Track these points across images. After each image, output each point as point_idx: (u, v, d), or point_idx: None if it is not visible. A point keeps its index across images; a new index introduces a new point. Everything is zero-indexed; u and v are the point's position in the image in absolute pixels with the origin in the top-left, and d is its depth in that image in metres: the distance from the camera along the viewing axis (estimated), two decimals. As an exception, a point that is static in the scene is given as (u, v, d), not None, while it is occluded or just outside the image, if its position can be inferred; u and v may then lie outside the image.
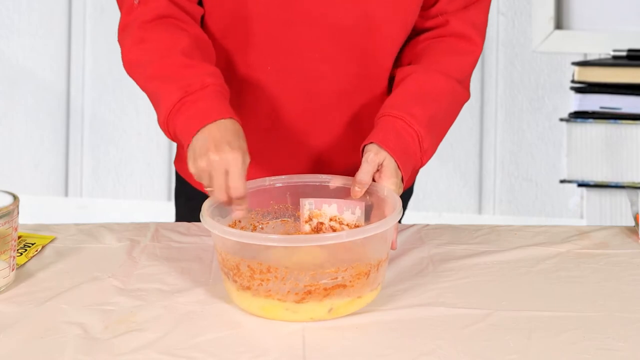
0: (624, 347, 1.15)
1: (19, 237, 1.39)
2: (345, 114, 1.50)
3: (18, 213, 1.27)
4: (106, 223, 1.51)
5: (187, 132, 1.30)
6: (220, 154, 1.24)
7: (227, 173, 1.24)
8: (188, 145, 1.30)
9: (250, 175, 1.30)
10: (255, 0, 1.42)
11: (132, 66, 1.40)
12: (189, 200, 1.66)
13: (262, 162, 1.49)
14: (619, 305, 1.26)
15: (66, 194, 3.39)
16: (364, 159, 1.34)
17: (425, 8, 1.48)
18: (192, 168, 1.28)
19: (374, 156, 1.33)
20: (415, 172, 1.41)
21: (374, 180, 1.34)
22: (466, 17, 1.48)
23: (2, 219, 1.23)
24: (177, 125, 1.32)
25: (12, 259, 1.27)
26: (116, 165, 3.37)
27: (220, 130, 1.28)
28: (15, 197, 1.27)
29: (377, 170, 1.34)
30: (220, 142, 1.26)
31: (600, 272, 1.37)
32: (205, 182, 1.27)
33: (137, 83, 1.41)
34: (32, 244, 1.41)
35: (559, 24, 3.13)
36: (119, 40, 1.44)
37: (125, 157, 3.37)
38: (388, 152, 1.34)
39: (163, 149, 3.36)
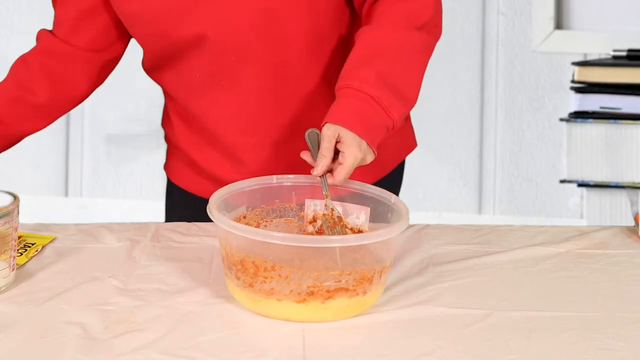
0: (624, 347, 1.15)
1: (19, 237, 1.39)
2: (272, 107, 1.52)
3: (18, 213, 1.27)
4: (106, 223, 1.51)
5: None
6: None
7: None
8: None
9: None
10: (166, 16, 1.46)
11: None
12: (174, 199, 1.70)
13: (199, 168, 1.59)
14: (619, 305, 1.26)
15: (66, 194, 3.39)
16: (320, 139, 1.36)
17: None
18: None
19: (326, 131, 1.35)
20: (392, 131, 1.41)
21: (339, 153, 1.35)
22: None
23: (2, 219, 1.23)
24: None
25: (12, 259, 1.27)
26: (116, 165, 3.37)
27: None
28: (15, 197, 1.27)
29: (338, 142, 1.35)
30: None
31: (600, 272, 1.37)
32: None
33: None
34: (32, 244, 1.40)
35: (559, 24, 3.13)
36: None
37: (125, 157, 3.37)
38: (339, 125, 1.35)
39: (163, 149, 3.36)
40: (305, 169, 1.36)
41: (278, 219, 1.37)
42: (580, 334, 1.18)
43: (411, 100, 1.43)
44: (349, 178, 1.34)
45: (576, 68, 2.78)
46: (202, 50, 1.47)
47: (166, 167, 1.71)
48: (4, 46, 3.31)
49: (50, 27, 1.62)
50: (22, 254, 1.37)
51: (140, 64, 1.64)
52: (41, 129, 1.62)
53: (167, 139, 1.69)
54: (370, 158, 1.37)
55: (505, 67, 3.15)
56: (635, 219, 1.51)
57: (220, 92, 1.51)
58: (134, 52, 3.30)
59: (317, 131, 1.37)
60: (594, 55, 3.05)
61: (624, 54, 2.84)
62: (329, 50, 1.51)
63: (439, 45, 1.52)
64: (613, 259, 1.41)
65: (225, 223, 1.20)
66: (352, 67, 1.41)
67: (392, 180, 1.65)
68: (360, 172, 1.39)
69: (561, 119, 2.86)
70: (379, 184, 1.44)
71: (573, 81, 2.78)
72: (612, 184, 2.79)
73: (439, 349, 1.14)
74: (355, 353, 1.13)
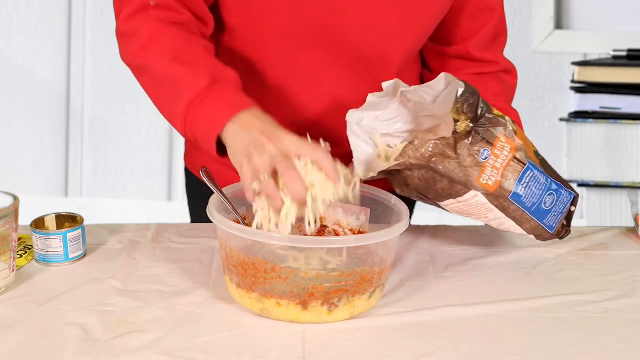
0: (624, 348, 1.15)
1: (19, 239, 1.39)
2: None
3: (18, 214, 1.27)
4: (106, 224, 1.50)
5: (216, 121, 1.25)
6: (283, 141, 1.20)
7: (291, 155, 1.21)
8: (214, 137, 1.25)
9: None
10: (275, 26, 1.41)
11: (150, 55, 1.34)
12: (203, 197, 1.65)
13: None
14: (619, 306, 1.26)
15: (66, 194, 3.39)
16: None
17: (441, 42, 1.53)
18: (248, 165, 1.20)
19: None
20: None
21: None
22: (501, 49, 1.57)
23: (2, 220, 1.23)
24: (204, 113, 1.27)
25: (12, 260, 1.27)
26: (116, 165, 3.38)
27: (260, 120, 1.24)
28: (15, 198, 1.27)
29: None
30: (272, 129, 1.22)
31: (600, 273, 1.37)
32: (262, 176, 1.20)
33: (153, 68, 1.33)
34: (32, 246, 1.40)
35: (559, 24, 3.13)
36: (123, 31, 1.39)
37: (125, 157, 3.37)
38: None
39: (163, 149, 3.36)
40: None
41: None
42: (580, 335, 1.18)
43: None
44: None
45: (576, 68, 2.78)
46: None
47: (188, 160, 1.65)
48: (4, 46, 3.31)
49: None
50: (22, 255, 1.37)
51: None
52: None
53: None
54: None
55: (505, 67, 3.14)
56: (635, 220, 1.51)
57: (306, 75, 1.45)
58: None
59: None
60: (594, 55, 3.05)
61: (624, 54, 2.84)
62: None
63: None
64: (613, 260, 1.41)
65: (225, 224, 1.20)
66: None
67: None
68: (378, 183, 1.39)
69: (561, 119, 2.86)
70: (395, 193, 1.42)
71: (573, 81, 2.78)
72: (612, 184, 2.80)
73: (439, 349, 1.14)
74: (355, 354, 1.13)
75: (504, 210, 1.30)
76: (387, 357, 1.12)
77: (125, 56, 1.39)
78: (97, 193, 3.39)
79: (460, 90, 1.25)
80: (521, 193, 1.29)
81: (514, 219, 1.32)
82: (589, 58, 3.04)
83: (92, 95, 3.34)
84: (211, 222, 1.22)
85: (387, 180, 1.55)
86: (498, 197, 1.29)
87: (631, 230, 1.52)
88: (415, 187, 1.30)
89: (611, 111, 2.75)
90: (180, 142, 3.33)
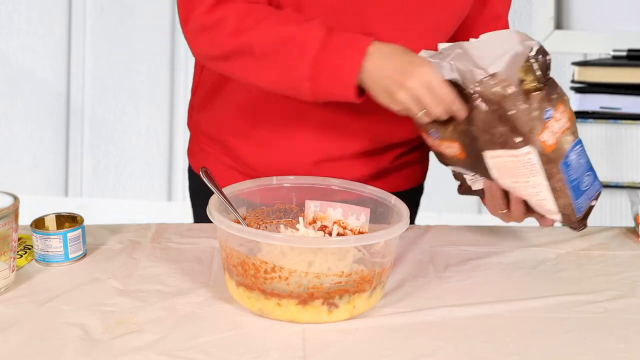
0: (624, 348, 1.15)
1: (19, 239, 1.39)
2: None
3: (18, 214, 1.27)
4: (107, 224, 1.50)
5: (351, 62, 1.29)
6: (416, 76, 1.27)
7: (430, 88, 1.27)
8: (352, 83, 1.29)
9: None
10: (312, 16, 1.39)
11: (249, 31, 1.34)
12: (206, 196, 1.65)
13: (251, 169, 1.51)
14: (619, 306, 1.26)
15: (66, 194, 3.39)
16: None
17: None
18: (394, 104, 1.29)
19: None
20: None
21: None
22: None
23: (2, 220, 1.23)
24: (336, 58, 1.30)
25: (12, 260, 1.27)
26: (116, 165, 3.38)
27: (391, 49, 1.30)
28: (15, 198, 1.27)
29: None
30: (403, 65, 1.28)
31: (600, 273, 1.37)
32: (414, 109, 1.28)
33: (257, 41, 1.33)
34: (32, 246, 1.40)
35: (559, 24, 3.13)
36: (203, 24, 1.37)
37: (125, 157, 3.37)
38: None
39: (163, 149, 3.36)
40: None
41: (278, 220, 1.37)
42: (580, 334, 1.18)
43: None
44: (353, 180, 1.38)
45: (576, 68, 2.78)
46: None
47: (192, 158, 1.64)
48: (4, 46, 3.31)
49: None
50: (22, 255, 1.37)
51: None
52: None
53: (204, 140, 1.60)
54: None
55: (505, 67, 3.14)
56: (635, 220, 1.51)
57: None
58: (134, 52, 3.30)
59: None
60: (594, 55, 3.05)
61: (624, 54, 2.84)
62: None
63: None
64: (613, 260, 1.42)
65: (225, 224, 1.20)
66: None
67: (415, 193, 1.69)
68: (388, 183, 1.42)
69: (561, 119, 2.86)
70: (402, 194, 1.42)
71: (573, 81, 2.78)
72: (612, 184, 2.79)
73: (439, 349, 1.14)
74: (355, 354, 1.13)
75: (549, 177, 1.27)
76: (387, 357, 1.12)
77: (213, 48, 1.37)
78: (97, 193, 3.40)
79: (535, 48, 1.24)
80: (570, 163, 1.28)
81: (553, 190, 1.29)
82: (589, 58, 3.03)
83: (92, 95, 3.34)
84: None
85: (387, 181, 1.56)
86: (550, 161, 1.26)
87: (631, 230, 1.52)
88: (477, 123, 1.27)
89: (611, 111, 2.75)
90: (180, 142, 3.33)
